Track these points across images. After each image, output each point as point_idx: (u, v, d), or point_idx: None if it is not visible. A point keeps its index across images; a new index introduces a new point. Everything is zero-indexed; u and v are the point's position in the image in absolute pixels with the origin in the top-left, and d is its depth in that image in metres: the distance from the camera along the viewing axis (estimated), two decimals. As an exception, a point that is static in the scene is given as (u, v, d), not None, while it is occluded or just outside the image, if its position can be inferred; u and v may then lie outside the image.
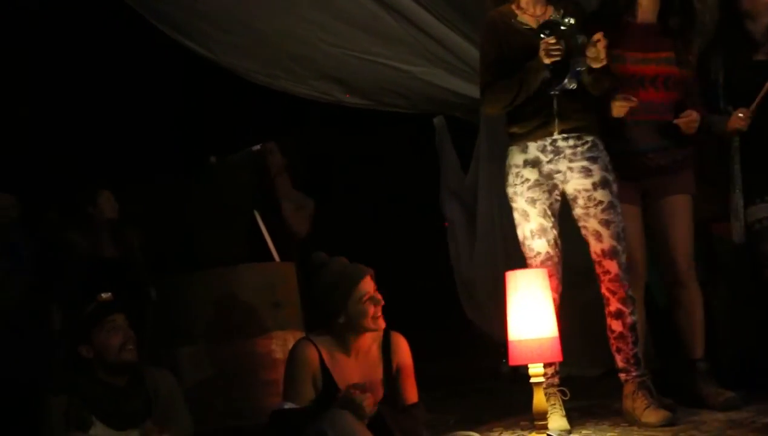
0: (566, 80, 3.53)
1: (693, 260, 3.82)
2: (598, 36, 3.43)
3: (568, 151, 3.60)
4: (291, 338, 3.99)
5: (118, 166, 6.54)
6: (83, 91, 6.94)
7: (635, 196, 3.80)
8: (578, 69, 3.51)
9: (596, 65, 3.47)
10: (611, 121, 3.69)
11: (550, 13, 3.61)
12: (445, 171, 6.41)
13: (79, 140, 6.88)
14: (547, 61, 3.48)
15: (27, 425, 3.51)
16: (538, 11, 3.65)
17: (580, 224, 3.65)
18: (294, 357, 3.33)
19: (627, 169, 3.72)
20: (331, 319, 3.33)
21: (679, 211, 3.79)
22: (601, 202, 3.58)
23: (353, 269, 3.39)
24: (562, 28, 3.49)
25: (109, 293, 3.33)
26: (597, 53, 3.43)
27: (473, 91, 5.95)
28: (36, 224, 5.59)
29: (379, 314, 3.32)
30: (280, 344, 4.03)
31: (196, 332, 4.09)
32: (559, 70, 3.54)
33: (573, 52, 3.49)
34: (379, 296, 3.34)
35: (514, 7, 3.70)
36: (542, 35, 3.51)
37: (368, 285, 3.34)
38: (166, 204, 4.79)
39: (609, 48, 3.49)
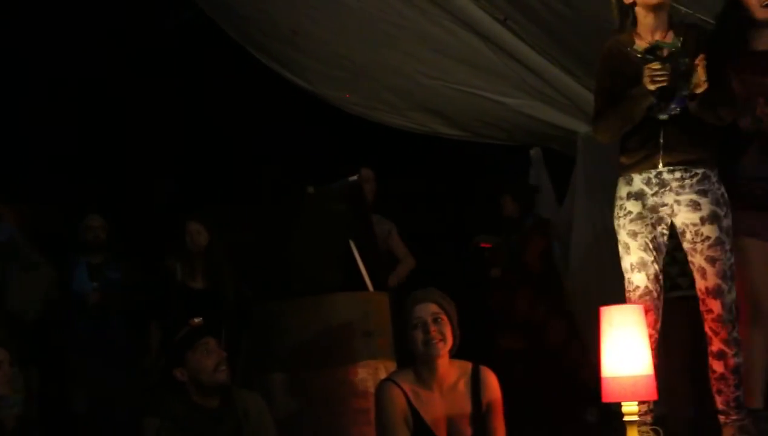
0: (672, 106, 3.43)
1: None
2: (698, 60, 3.31)
3: (675, 184, 3.47)
4: (382, 368, 4.02)
5: (215, 195, 6.72)
6: (184, 122, 7.15)
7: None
8: (684, 93, 3.39)
9: (698, 90, 3.34)
10: (752, 146, 3.57)
11: (670, 39, 3.49)
12: (540, 203, 6.38)
13: (177, 170, 7.09)
14: (651, 87, 3.36)
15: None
16: (657, 37, 3.51)
17: (689, 258, 3.55)
18: (382, 402, 3.36)
19: (764, 196, 3.58)
20: (407, 351, 3.41)
21: None
22: (708, 237, 3.45)
23: (412, 296, 3.45)
24: (666, 51, 3.39)
25: (200, 318, 3.44)
26: (697, 79, 3.32)
27: (570, 123, 5.97)
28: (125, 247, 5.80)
29: (431, 338, 3.32)
30: (372, 373, 4.05)
31: (288, 358, 4.15)
32: (667, 95, 3.41)
33: (678, 77, 3.36)
34: (440, 320, 3.35)
35: (634, 34, 3.57)
36: (647, 59, 3.41)
37: (423, 310, 3.37)
38: (264, 233, 4.90)
39: (738, 73, 3.42)
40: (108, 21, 6.57)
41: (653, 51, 3.43)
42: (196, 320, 3.44)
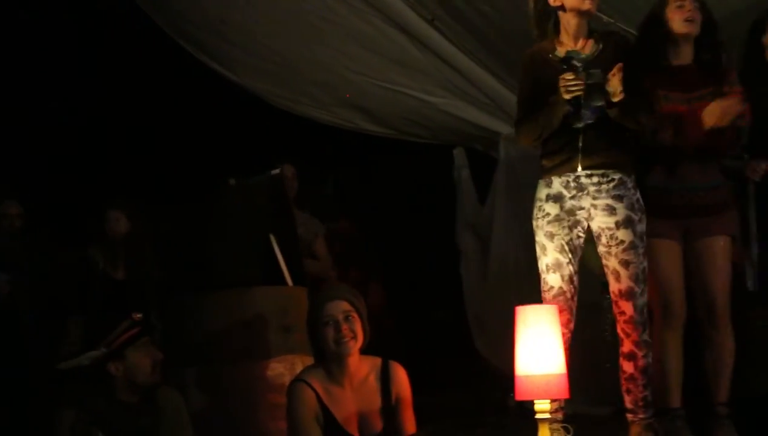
0: (584, 116, 3.51)
1: (729, 303, 3.72)
2: (614, 70, 3.40)
3: (592, 189, 3.56)
4: (300, 363, 4.01)
5: (137, 185, 6.61)
6: (105, 109, 7.02)
7: (677, 233, 3.71)
8: (594, 104, 3.48)
9: (614, 99, 3.43)
10: (662, 158, 3.66)
11: (590, 46, 3.59)
12: (462, 202, 6.44)
13: (98, 158, 6.95)
14: (566, 96, 3.45)
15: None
16: (578, 45, 3.60)
17: (604, 261, 3.64)
18: (293, 403, 3.39)
19: (671, 207, 3.67)
20: (317, 347, 3.44)
21: (720, 252, 3.69)
22: (622, 241, 3.55)
23: (322, 293, 3.50)
24: (577, 63, 3.48)
25: (140, 314, 3.38)
26: (613, 87, 3.41)
27: (493, 124, 6.04)
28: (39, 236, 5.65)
29: (343, 337, 3.36)
30: (289, 368, 4.04)
31: (204, 352, 4.11)
32: (580, 105, 3.51)
33: (590, 87, 3.45)
34: (351, 318, 3.39)
35: (556, 41, 3.65)
36: (563, 69, 3.49)
37: (334, 308, 3.40)
38: (183, 225, 4.83)
39: (654, 89, 3.51)
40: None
41: (567, 61, 3.51)
42: (138, 315, 3.37)
